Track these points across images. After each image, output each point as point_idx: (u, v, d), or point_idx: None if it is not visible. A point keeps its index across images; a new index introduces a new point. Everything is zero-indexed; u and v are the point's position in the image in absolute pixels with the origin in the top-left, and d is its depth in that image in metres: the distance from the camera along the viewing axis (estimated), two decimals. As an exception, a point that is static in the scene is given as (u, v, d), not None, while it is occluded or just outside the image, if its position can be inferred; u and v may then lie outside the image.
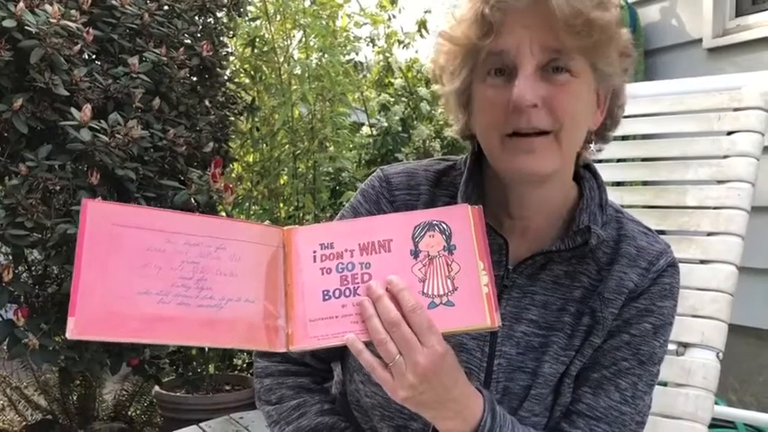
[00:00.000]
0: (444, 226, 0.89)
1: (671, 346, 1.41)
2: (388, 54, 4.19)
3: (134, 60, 2.33)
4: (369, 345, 0.84)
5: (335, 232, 0.90)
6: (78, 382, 2.83)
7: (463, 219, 0.89)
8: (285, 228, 0.91)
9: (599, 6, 0.89)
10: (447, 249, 0.87)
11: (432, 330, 0.82)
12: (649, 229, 1.06)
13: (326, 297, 0.86)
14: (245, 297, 0.85)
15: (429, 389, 0.83)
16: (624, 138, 1.87)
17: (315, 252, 0.88)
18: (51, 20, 2.07)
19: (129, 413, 3.06)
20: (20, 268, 2.35)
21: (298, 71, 3.43)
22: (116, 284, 0.79)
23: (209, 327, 0.82)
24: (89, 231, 0.80)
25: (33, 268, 2.50)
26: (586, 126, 0.97)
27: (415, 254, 0.87)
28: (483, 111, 0.95)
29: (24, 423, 2.89)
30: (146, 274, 0.80)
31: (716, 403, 1.43)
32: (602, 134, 1.03)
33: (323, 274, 0.87)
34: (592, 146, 1.04)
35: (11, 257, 2.25)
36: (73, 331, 0.76)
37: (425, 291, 0.86)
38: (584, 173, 1.05)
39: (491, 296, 0.85)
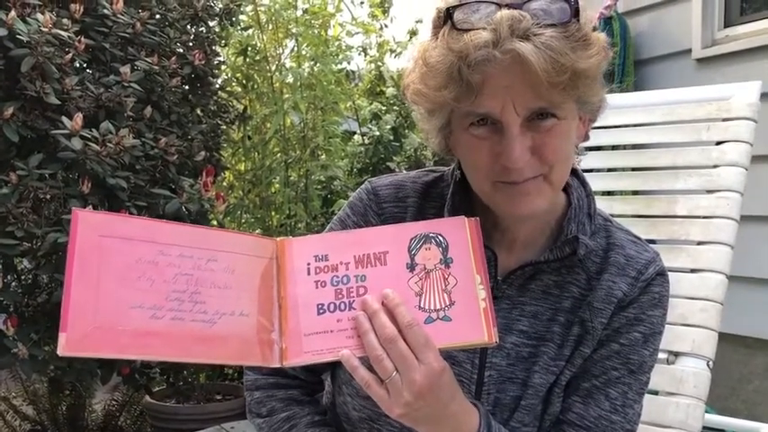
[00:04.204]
0: (441, 238, 0.87)
1: (661, 355, 1.41)
2: (379, 63, 4.20)
3: (126, 69, 2.33)
4: (363, 360, 0.83)
5: (330, 244, 0.89)
6: (68, 391, 2.81)
7: (460, 231, 0.88)
8: (278, 239, 0.89)
9: (581, 48, 0.84)
10: (444, 262, 0.86)
11: (428, 346, 0.82)
12: (638, 238, 1.06)
13: (321, 311, 0.85)
14: (239, 311, 0.83)
15: (425, 406, 0.83)
16: (614, 147, 1.88)
17: (309, 264, 0.87)
18: (43, 28, 2.07)
19: (119, 423, 3.04)
20: (9, 277, 2.33)
21: (290, 80, 3.43)
22: (108, 298, 0.77)
23: (204, 342, 0.80)
24: (80, 243, 0.77)
25: (23, 277, 2.48)
26: (573, 153, 0.96)
27: (412, 267, 0.86)
28: (469, 156, 0.93)
29: (13, 433, 2.87)
30: (138, 288, 0.78)
31: (706, 411, 1.43)
32: (584, 137, 1.03)
33: (317, 287, 0.86)
34: (578, 157, 1.04)
35: (0, 266, 2.23)
36: (65, 348, 0.73)
37: (422, 305, 0.84)
38: (572, 180, 1.04)
39: (488, 311, 0.84)
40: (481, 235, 0.88)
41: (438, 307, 0.84)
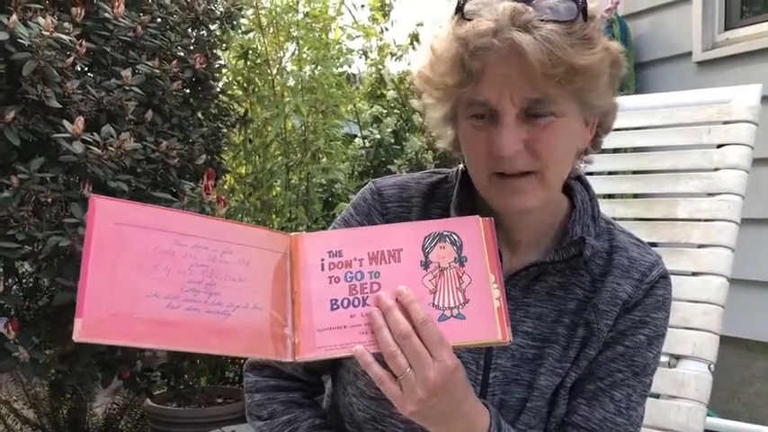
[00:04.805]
0: (455, 237, 0.88)
1: (663, 358, 1.41)
2: (380, 66, 4.21)
3: (127, 73, 2.33)
4: (376, 356, 0.83)
5: (344, 240, 0.89)
6: (69, 395, 2.81)
7: (474, 230, 0.88)
8: (292, 234, 0.90)
9: (582, 46, 0.85)
10: (458, 261, 0.87)
11: (442, 344, 0.82)
12: (640, 241, 1.06)
13: (335, 306, 0.85)
14: (253, 304, 0.83)
15: (438, 403, 0.83)
16: (615, 150, 1.88)
17: (323, 260, 0.87)
18: (44, 32, 2.07)
19: (120, 427, 3.04)
20: (10, 280, 2.33)
21: (291, 83, 3.44)
22: (125, 286, 0.76)
23: (218, 334, 0.80)
24: (97, 230, 0.77)
25: (24, 281, 2.49)
26: (572, 156, 0.97)
27: (426, 265, 0.87)
28: (468, 147, 0.95)
29: (14, 437, 2.86)
30: (155, 277, 0.78)
31: (708, 415, 1.43)
32: (593, 144, 1.03)
33: (331, 282, 0.86)
34: (582, 164, 1.05)
35: (1, 270, 2.23)
36: (80, 333, 0.73)
37: (436, 303, 0.85)
38: (576, 184, 1.05)
39: (502, 310, 0.84)
40: (495, 234, 0.88)
41: (452, 305, 0.85)
